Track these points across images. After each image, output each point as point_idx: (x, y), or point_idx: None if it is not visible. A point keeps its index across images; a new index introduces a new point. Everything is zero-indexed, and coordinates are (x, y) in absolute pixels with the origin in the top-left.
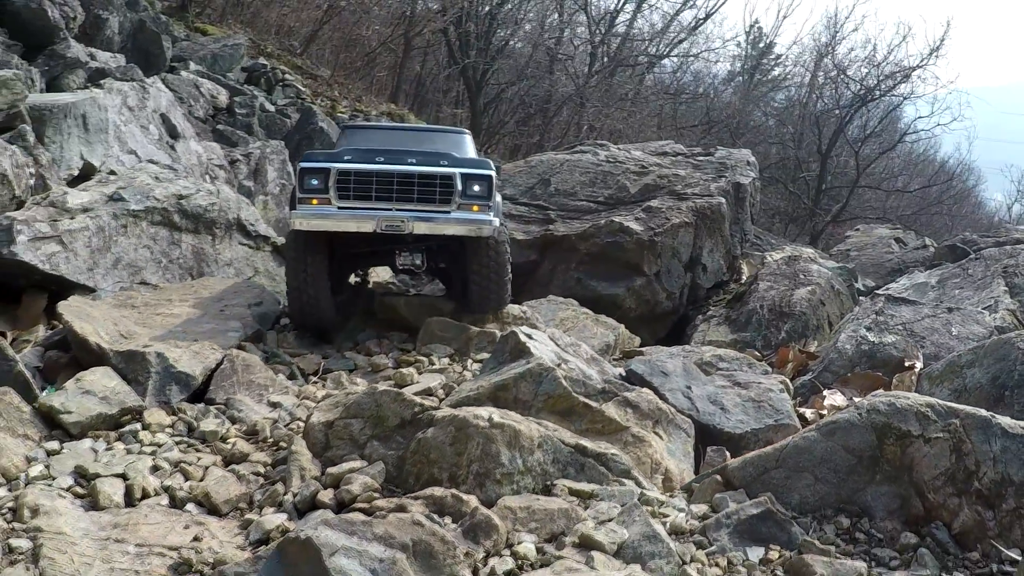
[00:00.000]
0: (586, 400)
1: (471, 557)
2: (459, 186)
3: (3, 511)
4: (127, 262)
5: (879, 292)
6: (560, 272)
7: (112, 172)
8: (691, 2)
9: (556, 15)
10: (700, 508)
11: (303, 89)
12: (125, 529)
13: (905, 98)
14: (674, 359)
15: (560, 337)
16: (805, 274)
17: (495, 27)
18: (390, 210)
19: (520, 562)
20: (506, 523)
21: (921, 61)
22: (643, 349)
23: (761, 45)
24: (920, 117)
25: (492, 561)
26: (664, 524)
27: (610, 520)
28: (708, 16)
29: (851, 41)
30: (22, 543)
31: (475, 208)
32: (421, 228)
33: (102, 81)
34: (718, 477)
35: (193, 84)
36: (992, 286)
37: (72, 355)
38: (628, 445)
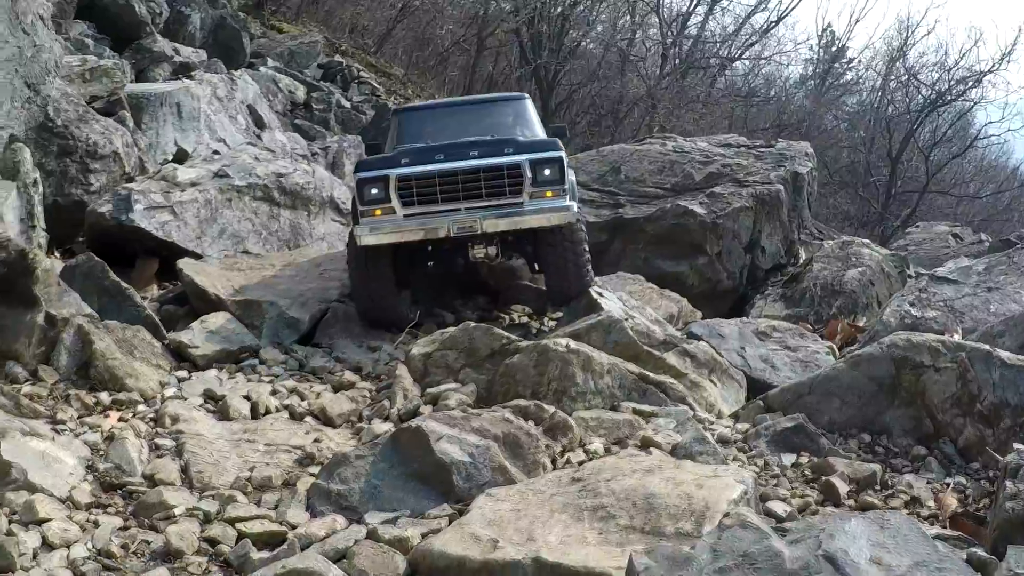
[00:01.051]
0: (649, 349)
1: (550, 449)
2: (528, 174)
3: (146, 420)
4: (231, 232)
5: (924, 272)
6: (629, 252)
7: (216, 152)
8: (763, 5)
9: (628, 17)
10: (743, 426)
11: (377, 87)
12: (254, 433)
13: (976, 103)
14: (731, 325)
15: (627, 300)
16: (857, 257)
17: (567, 28)
18: (459, 210)
19: (591, 456)
20: (579, 429)
21: (992, 66)
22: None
23: (833, 49)
24: (991, 122)
25: (568, 454)
26: (712, 435)
27: (666, 429)
28: (780, 19)
29: (923, 45)
30: (166, 442)
31: (548, 194)
32: (494, 226)
33: (193, 73)
34: (760, 403)
35: (271, 80)
36: None
37: (188, 308)
38: (686, 389)
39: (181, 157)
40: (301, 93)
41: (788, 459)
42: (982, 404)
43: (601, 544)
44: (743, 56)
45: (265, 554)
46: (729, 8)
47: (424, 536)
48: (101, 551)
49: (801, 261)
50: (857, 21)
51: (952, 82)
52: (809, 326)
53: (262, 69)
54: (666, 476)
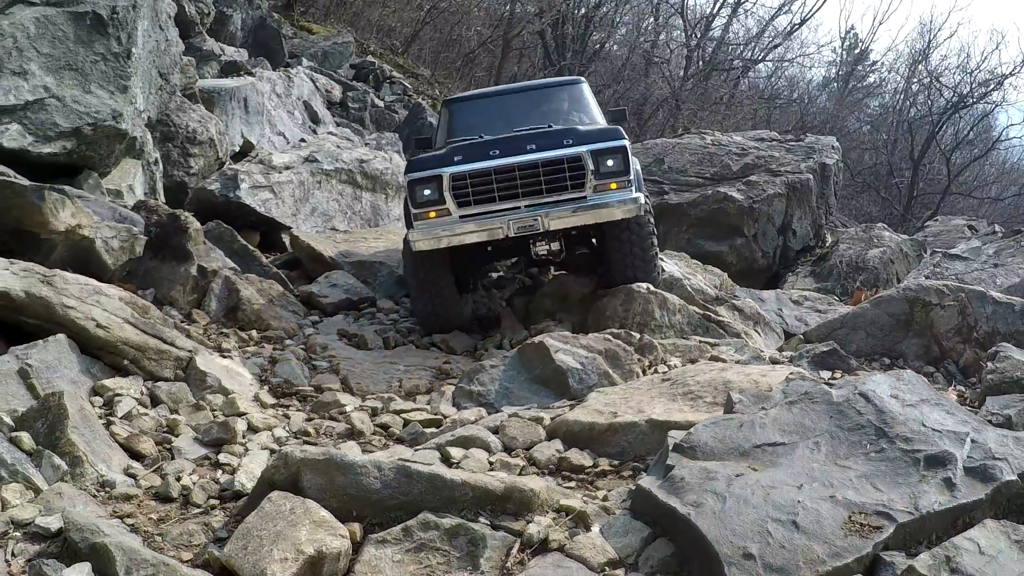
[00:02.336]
0: (704, 303)
1: (641, 362)
2: (591, 166)
3: (297, 350)
4: (321, 211)
5: (939, 251)
6: (673, 234)
7: (303, 139)
8: (786, 7)
9: (652, 19)
10: (789, 353)
11: (408, 86)
12: (393, 358)
13: (997, 105)
14: (768, 293)
15: (682, 266)
16: (879, 239)
17: (591, 30)
18: (518, 208)
19: (672, 368)
20: (660, 350)
21: (1014, 69)
22: None
23: (856, 51)
24: (1012, 124)
25: (655, 367)
26: (764, 356)
27: (729, 352)
28: (803, 21)
29: (945, 48)
30: (322, 363)
31: (613, 186)
32: (558, 222)
33: (254, 70)
34: (801, 336)
35: (309, 79)
36: None
37: (299, 271)
38: (743, 347)
39: (246, 148)
40: (337, 92)
41: (825, 375)
42: (978, 333)
43: (695, 411)
44: (766, 58)
45: (432, 430)
46: (752, 10)
47: (553, 419)
48: (297, 432)
49: (828, 243)
50: (880, 24)
51: (974, 85)
52: (835, 297)
53: (292, 69)
54: (737, 371)
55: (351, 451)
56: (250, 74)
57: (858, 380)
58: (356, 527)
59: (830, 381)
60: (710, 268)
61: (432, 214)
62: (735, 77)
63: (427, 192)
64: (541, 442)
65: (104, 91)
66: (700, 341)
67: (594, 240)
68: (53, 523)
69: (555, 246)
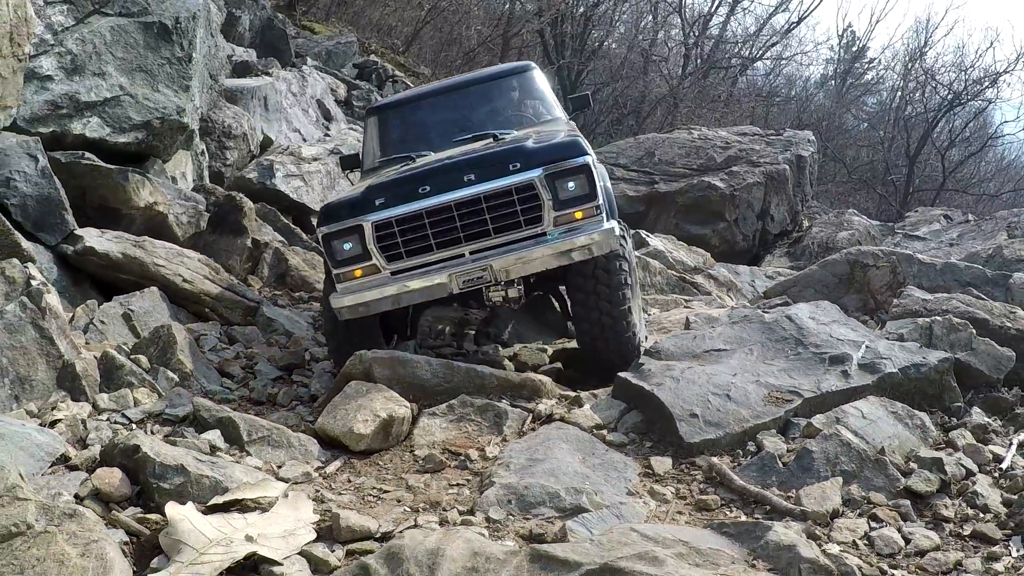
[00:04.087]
0: (683, 271)
1: None
2: (547, 195)
3: None
4: None
5: (898, 230)
6: (662, 219)
7: (327, 134)
8: (784, 6)
9: (650, 17)
10: (746, 304)
11: (411, 85)
12: None
13: (991, 102)
14: (744, 267)
15: (667, 243)
16: (848, 223)
17: (590, 28)
18: (462, 256)
19: (651, 314)
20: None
21: (1008, 66)
22: None
23: (854, 49)
24: (1006, 121)
25: None
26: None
27: (699, 305)
28: (801, 20)
29: (942, 46)
30: None
31: (578, 215)
32: (513, 271)
33: (271, 70)
34: (761, 294)
35: (321, 78)
36: (996, 236)
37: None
38: (712, 301)
39: (266, 144)
40: (342, 91)
41: None
42: (904, 288)
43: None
44: (764, 56)
45: None
46: (750, 9)
47: (554, 349)
48: None
49: (804, 227)
50: (878, 21)
51: (969, 82)
52: None
53: (305, 68)
54: (698, 311)
55: None
56: (267, 74)
57: (785, 307)
58: (413, 405)
59: (764, 309)
60: (695, 248)
61: (358, 272)
62: (733, 75)
63: (347, 247)
64: (545, 364)
65: (169, 90)
66: (676, 297)
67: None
68: (179, 412)
69: (513, 293)
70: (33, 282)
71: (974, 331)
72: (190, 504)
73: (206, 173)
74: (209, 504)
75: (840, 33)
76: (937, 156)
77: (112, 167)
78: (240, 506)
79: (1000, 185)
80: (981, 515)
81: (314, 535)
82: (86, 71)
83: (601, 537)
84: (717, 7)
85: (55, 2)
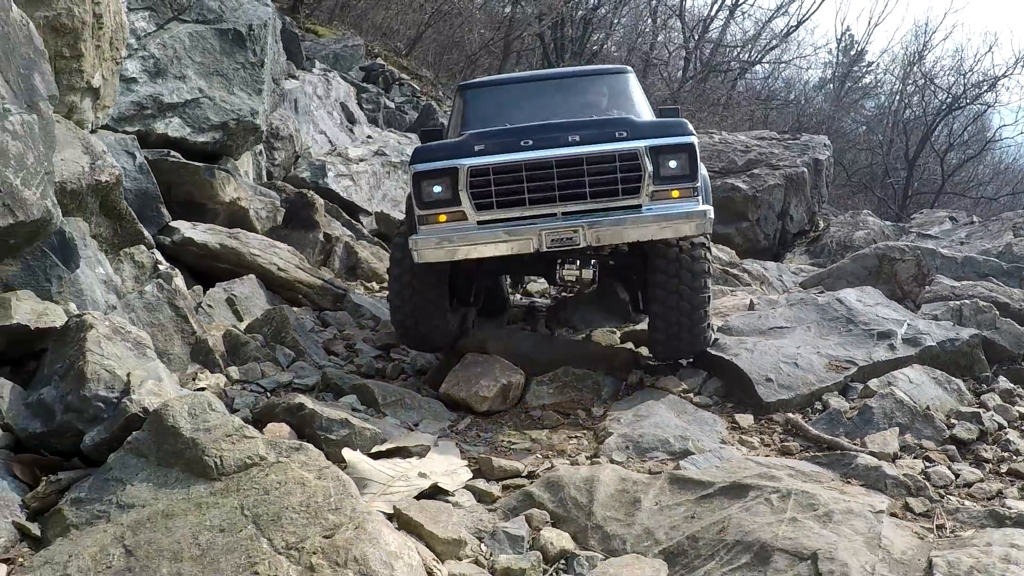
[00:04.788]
0: (721, 266)
1: None
2: (649, 167)
3: None
4: (390, 197)
5: (912, 230)
6: None
7: (369, 136)
8: (783, 9)
9: (650, 20)
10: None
11: (417, 88)
12: None
13: (990, 106)
14: (771, 264)
15: None
16: (864, 223)
17: (590, 31)
18: (554, 215)
19: None
20: None
21: (1007, 70)
22: None
23: (852, 52)
24: (1005, 125)
25: None
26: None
27: (741, 293)
28: (800, 23)
29: (941, 50)
30: None
31: (675, 194)
32: (603, 236)
33: (297, 74)
34: (798, 285)
35: (344, 81)
36: (1003, 236)
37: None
38: (754, 291)
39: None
40: (352, 94)
41: None
42: (929, 279)
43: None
44: (763, 60)
45: None
46: (750, 13)
47: (623, 331)
48: None
49: (820, 227)
50: (876, 25)
51: (967, 86)
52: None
53: (329, 72)
54: (753, 296)
55: None
56: (293, 77)
57: (835, 292)
58: (523, 374)
59: (815, 294)
60: (720, 246)
61: (442, 217)
62: (732, 79)
63: (437, 189)
64: (617, 344)
65: (244, 93)
66: (722, 288)
67: (635, 276)
68: (308, 381)
69: (587, 273)
70: (160, 266)
71: (997, 312)
72: (357, 451)
73: (264, 172)
74: (372, 452)
75: (839, 37)
76: (936, 159)
77: (200, 164)
78: (400, 453)
79: (998, 188)
80: (1014, 457)
81: (471, 474)
82: (168, 74)
83: (724, 464)
84: (717, 11)
85: (137, 8)
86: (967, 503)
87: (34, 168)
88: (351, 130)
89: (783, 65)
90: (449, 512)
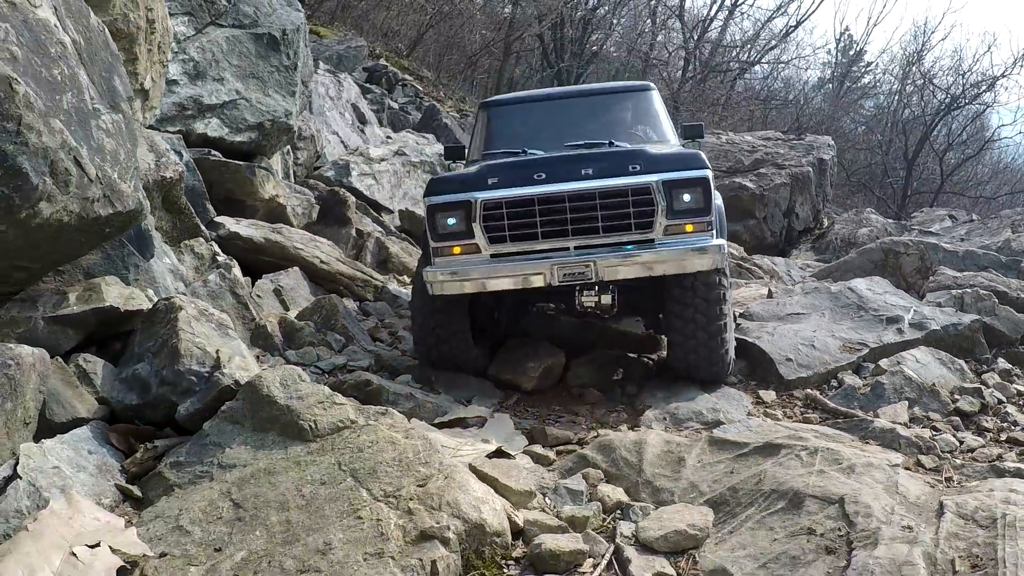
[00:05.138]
0: (734, 260)
1: None
2: (662, 201)
3: None
4: (411, 196)
5: (913, 227)
6: None
7: (388, 137)
8: (782, 9)
9: (649, 21)
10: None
11: (420, 88)
12: None
13: (989, 106)
14: (779, 259)
15: None
16: (867, 221)
17: (589, 31)
18: (566, 249)
19: None
20: None
21: (1006, 70)
22: None
23: (851, 52)
24: (1003, 125)
25: None
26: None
27: (757, 285)
28: (799, 23)
29: (940, 50)
30: None
31: (688, 228)
32: (615, 272)
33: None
34: (810, 277)
35: (354, 83)
36: (1002, 232)
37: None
38: (767, 284)
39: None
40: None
41: None
42: (932, 271)
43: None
44: (762, 60)
45: None
46: (749, 13)
47: None
48: None
49: (825, 225)
50: (875, 25)
51: (966, 86)
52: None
53: (346, 74)
54: (770, 287)
55: None
56: None
57: (846, 281)
58: (563, 355)
59: (828, 283)
60: (729, 243)
61: (457, 249)
62: (732, 79)
63: (451, 222)
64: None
65: (278, 95)
66: (736, 280)
67: (651, 302)
68: (361, 363)
69: (606, 299)
70: (219, 257)
71: (996, 300)
72: (423, 422)
73: (291, 171)
74: (436, 422)
75: (837, 37)
76: (935, 159)
77: (240, 163)
78: (459, 424)
79: (997, 188)
80: (1012, 427)
81: (527, 441)
82: (207, 77)
83: (756, 429)
84: (716, 11)
85: (177, 13)
86: (971, 462)
87: (126, 163)
88: (362, 131)
89: (782, 65)
90: (519, 468)
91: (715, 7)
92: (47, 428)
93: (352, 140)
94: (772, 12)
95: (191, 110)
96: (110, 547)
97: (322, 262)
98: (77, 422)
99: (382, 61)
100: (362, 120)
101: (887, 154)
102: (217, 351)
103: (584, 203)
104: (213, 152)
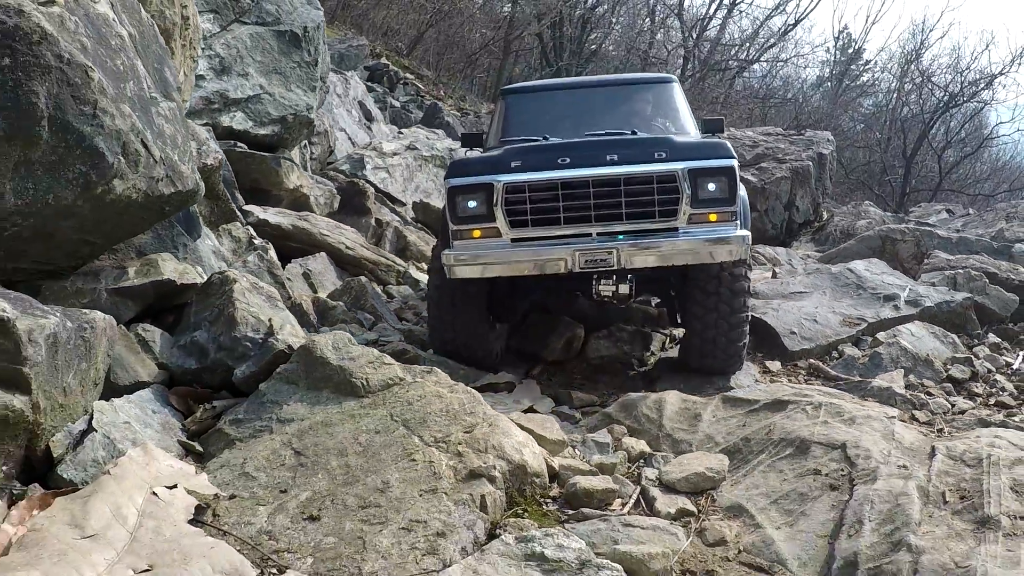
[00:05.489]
0: None
1: None
2: (687, 189)
3: None
4: (422, 189)
5: (911, 219)
6: None
7: (400, 132)
8: (781, 8)
9: (648, 19)
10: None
11: (421, 87)
12: None
13: (986, 104)
14: (780, 249)
15: None
16: (865, 213)
17: (588, 30)
18: (589, 235)
19: None
20: None
21: (1003, 68)
22: None
23: (850, 51)
24: (1001, 123)
25: None
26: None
27: (760, 272)
28: (798, 22)
29: (938, 48)
30: None
31: (712, 217)
32: (638, 260)
33: None
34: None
35: (361, 81)
36: (996, 224)
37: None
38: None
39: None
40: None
41: None
42: (927, 255)
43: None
44: (761, 58)
45: None
46: (747, 12)
47: None
48: None
49: (825, 217)
50: (874, 23)
51: (964, 84)
52: None
53: (353, 72)
54: (765, 272)
55: None
56: None
57: (846, 263)
58: (583, 329)
59: (830, 266)
60: None
61: (476, 233)
62: (731, 77)
63: (472, 204)
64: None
65: (300, 90)
66: None
67: (672, 291)
68: (392, 339)
69: (624, 288)
70: (255, 241)
71: (987, 280)
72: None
73: (309, 164)
74: (471, 386)
75: (836, 35)
76: (933, 157)
77: (266, 154)
78: (491, 388)
79: (996, 185)
80: (1000, 393)
81: (554, 403)
82: (232, 72)
83: (766, 388)
84: (715, 10)
85: (203, 11)
86: (961, 418)
87: (183, 147)
88: (369, 128)
89: (781, 64)
90: (552, 421)
91: (714, 5)
92: (111, 390)
93: (359, 137)
94: (771, 10)
95: (217, 104)
96: (185, 489)
97: (347, 248)
98: (139, 385)
99: (383, 60)
100: (368, 117)
101: (886, 152)
102: (270, 319)
103: (608, 189)
104: (239, 144)
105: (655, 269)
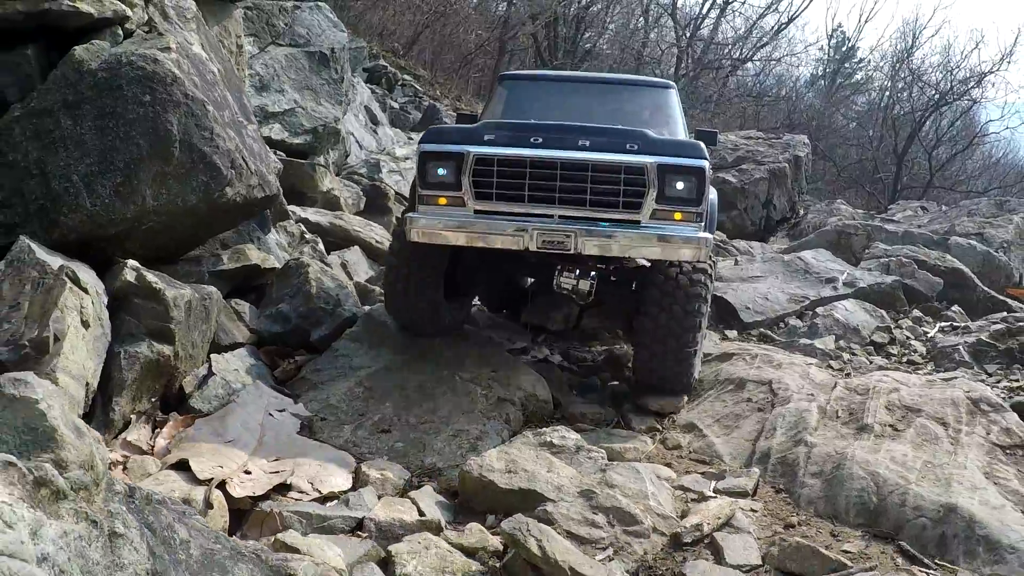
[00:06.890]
0: (718, 242)
1: None
2: (655, 184)
3: None
4: None
5: (876, 215)
6: None
7: (409, 137)
8: (774, 7)
9: (641, 18)
10: None
11: (419, 88)
12: None
13: (976, 102)
14: (755, 243)
15: None
16: (836, 211)
17: (582, 29)
18: (551, 217)
19: None
20: None
21: (993, 67)
22: None
23: (843, 49)
24: (991, 121)
25: None
26: None
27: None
28: (791, 20)
29: (929, 47)
30: None
31: (677, 216)
32: (593, 246)
33: None
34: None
35: (362, 85)
36: (958, 219)
37: None
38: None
39: None
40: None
41: None
42: (877, 248)
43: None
44: (754, 57)
45: None
46: (741, 11)
47: None
48: None
49: (800, 215)
50: (867, 21)
51: (954, 82)
52: None
53: (358, 76)
54: (728, 262)
55: None
56: None
57: (796, 252)
58: (579, 306)
59: (783, 254)
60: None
61: (442, 200)
62: (724, 76)
63: (442, 172)
64: None
65: (328, 103)
66: (715, 258)
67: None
68: None
69: (584, 285)
70: (307, 235)
71: (916, 266)
72: None
73: (331, 168)
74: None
75: (829, 34)
76: (924, 154)
77: (303, 161)
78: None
79: (987, 182)
80: (912, 353)
81: (561, 358)
82: (271, 88)
83: (718, 345)
84: (708, 9)
85: (244, 35)
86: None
87: (266, 161)
88: (375, 131)
89: (774, 63)
90: (559, 372)
91: (707, 5)
92: (216, 348)
93: (367, 141)
94: (764, 9)
95: (258, 117)
96: (289, 412)
97: (377, 242)
98: (235, 345)
99: (381, 61)
100: (374, 121)
101: (878, 150)
102: (337, 295)
103: (576, 173)
104: (278, 152)
105: (617, 271)
